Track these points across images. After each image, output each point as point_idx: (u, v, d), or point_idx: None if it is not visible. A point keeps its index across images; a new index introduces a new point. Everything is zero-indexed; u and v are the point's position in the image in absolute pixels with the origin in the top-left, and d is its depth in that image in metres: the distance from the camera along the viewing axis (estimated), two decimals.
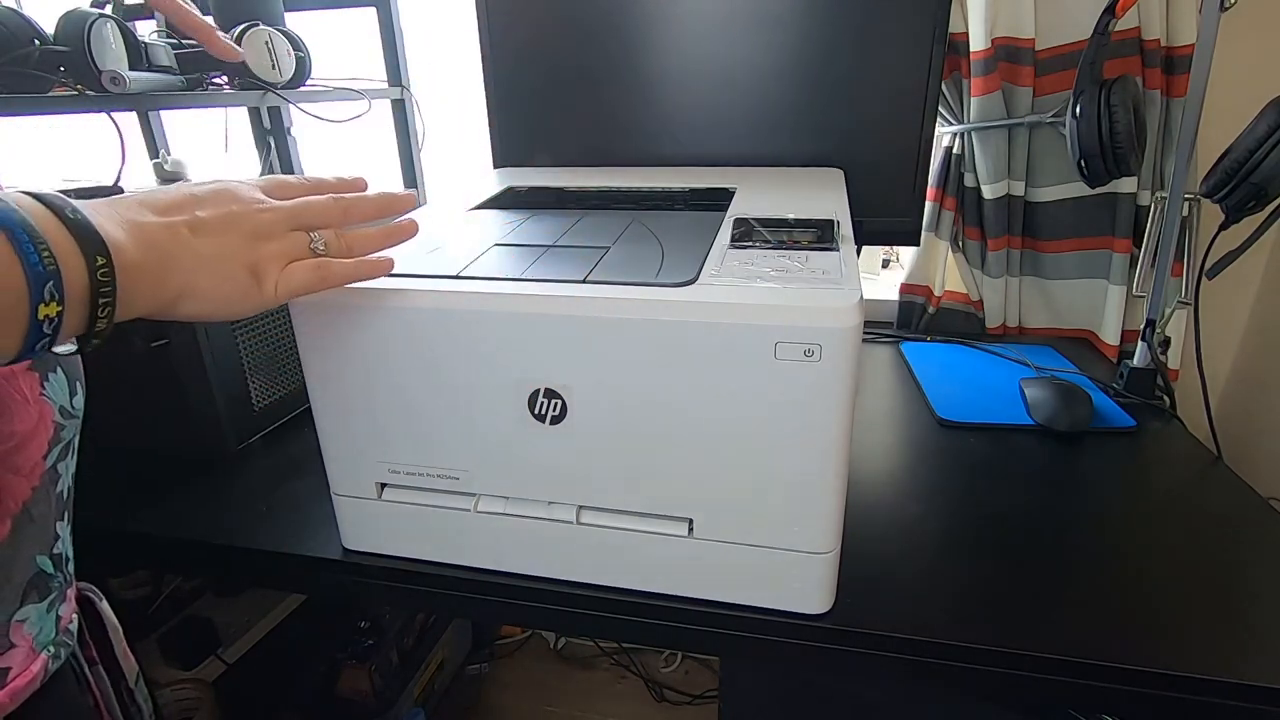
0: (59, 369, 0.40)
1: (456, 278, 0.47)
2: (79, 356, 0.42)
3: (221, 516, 0.64)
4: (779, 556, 0.48)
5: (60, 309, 0.30)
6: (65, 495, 0.42)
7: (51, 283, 0.29)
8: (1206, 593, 0.53)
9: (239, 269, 0.37)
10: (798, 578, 0.48)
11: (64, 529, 0.42)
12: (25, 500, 0.38)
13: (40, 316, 0.29)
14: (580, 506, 0.50)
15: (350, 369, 0.50)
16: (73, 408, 0.41)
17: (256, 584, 0.98)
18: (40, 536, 0.39)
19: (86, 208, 0.32)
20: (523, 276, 0.47)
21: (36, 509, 0.39)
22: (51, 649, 0.39)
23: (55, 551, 0.40)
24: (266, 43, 0.94)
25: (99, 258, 0.31)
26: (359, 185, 0.46)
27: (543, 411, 0.46)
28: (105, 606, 0.46)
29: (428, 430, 0.50)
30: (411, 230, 0.47)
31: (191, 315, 0.37)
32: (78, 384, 0.42)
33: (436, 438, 0.50)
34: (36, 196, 0.31)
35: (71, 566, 0.43)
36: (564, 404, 0.46)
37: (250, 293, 0.38)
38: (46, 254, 0.29)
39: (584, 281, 0.45)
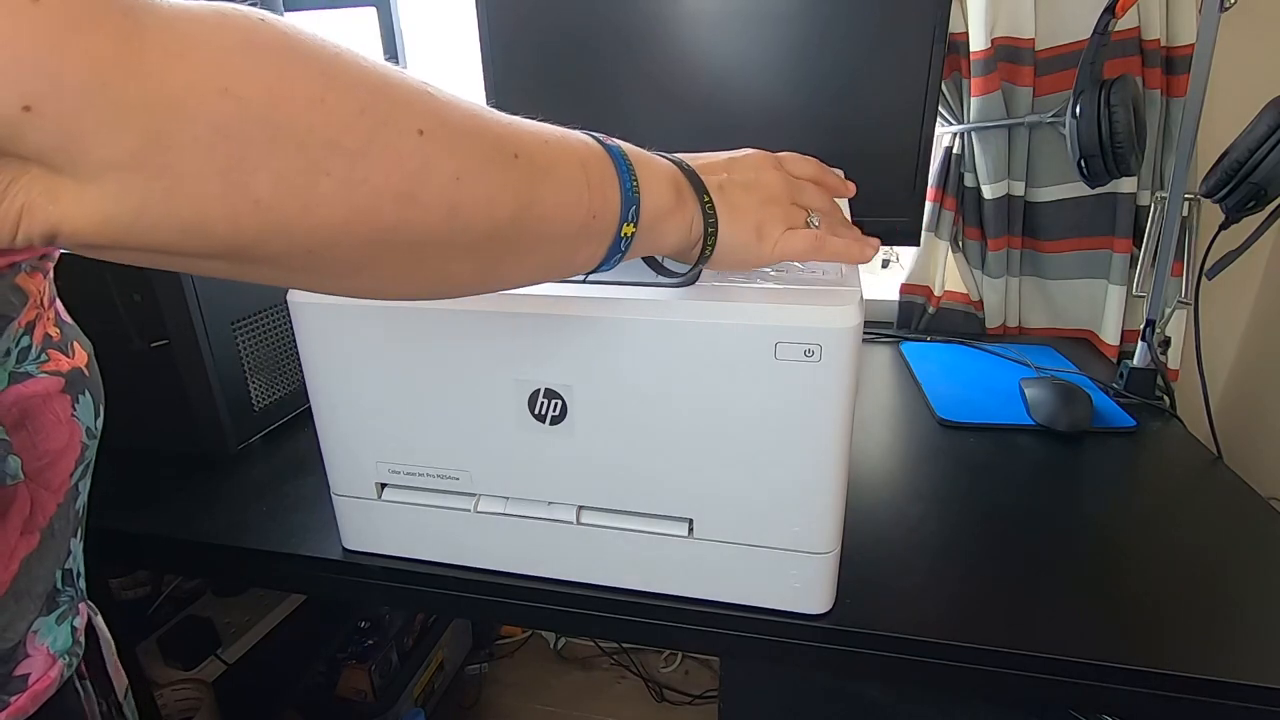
0: (87, 392, 0.41)
1: None
2: (99, 379, 0.43)
3: (221, 516, 0.64)
4: (779, 556, 0.48)
5: (634, 230, 0.35)
6: (81, 512, 0.43)
7: (634, 207, 0.35)
8: (1207, 593, 0.53)
9: (750, 226, 0.41)
10: (798, 578, 0.48)
11: (76, 545, 0.43)
12: (51, 515, 0.39)
13: (622, 234, 0.35)
14: (580, 506, 0.50)
15: (350, 369, 0.50)
16: (95, 429, 0.43)
17: (256, 584, 0.98)
18: (58, 551, 0.40)
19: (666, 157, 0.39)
20: None
21: (58, 524, 0.40)
22: (66, 658, 0.40)
23: (66, 566, 0.41)
24: None
25: (705, 195, 0.39)
26: (850, 189, 0.51)
27: (543, 411, 0.47)
28: (100, 621, 0.47)
29: (428, 431, 0.50)
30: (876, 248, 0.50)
31: (705, 261, 0.41)
32: (100, 407, 0.43)
33: (436, 438, 0.50)
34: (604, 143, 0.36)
35: (82, 582, 0.44)
36: (564, 404, 0.46)
37: (751, 247, 0.41)
38: (635, 183, 0.35)
39: (584, 281, 0.45)
